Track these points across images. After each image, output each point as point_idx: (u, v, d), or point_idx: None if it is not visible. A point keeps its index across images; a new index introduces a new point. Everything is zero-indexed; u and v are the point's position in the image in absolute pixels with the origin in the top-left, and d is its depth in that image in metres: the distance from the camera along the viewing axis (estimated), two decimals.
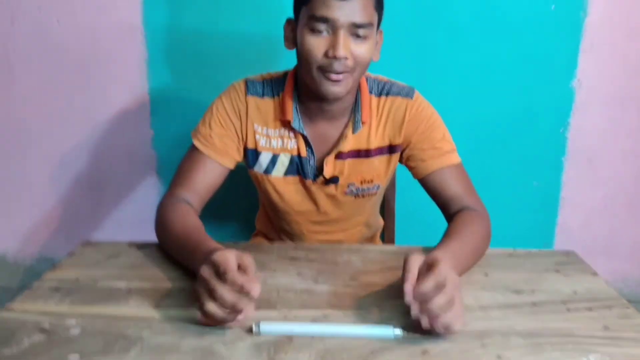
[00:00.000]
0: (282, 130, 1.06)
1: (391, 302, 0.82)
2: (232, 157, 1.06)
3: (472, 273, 0.92)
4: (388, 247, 1.07)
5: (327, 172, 1.06)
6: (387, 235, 1.32)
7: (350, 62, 0.93)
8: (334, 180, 1.08)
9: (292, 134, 1.06)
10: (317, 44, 0.92)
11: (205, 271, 0.73)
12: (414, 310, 0.70)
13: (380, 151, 1.07)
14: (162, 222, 0.97)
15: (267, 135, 1.06)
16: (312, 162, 1.07)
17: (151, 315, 0.77)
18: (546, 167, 1.61)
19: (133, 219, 1.63)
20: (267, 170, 1.08)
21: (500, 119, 1.54)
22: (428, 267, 0.73)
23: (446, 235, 0.95)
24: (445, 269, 0.72)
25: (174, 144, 1.56)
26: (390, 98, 1.06)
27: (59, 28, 1.47)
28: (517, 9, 1.46)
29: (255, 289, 0.69)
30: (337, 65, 0.92)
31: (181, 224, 0.94)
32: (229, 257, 0.72)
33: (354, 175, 1.08)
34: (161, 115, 1.54)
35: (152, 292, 0.84)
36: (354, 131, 1.05)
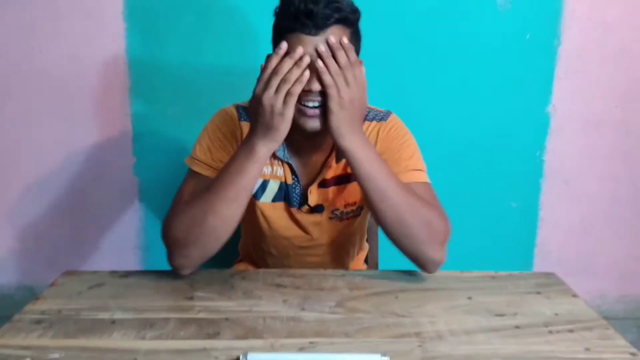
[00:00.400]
0: (271, 157, 1.06)
1: (378, 329, 0.82)
2: None
3: (456, 297, 0.94)
4: (373, 272, 1.08)
5: (312, 200, 1.08)
6: (370, 259, 1.33)
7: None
8: (319, 209, 1.09)
9: (279, 161, 1.07)
10: None
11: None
12: (320, 65, 0.88)
13: None
14: (183, 217, 0.94)
15: None
16: (297, 190, 1.08)
17: (136, 347, 0.76)
18: (524, 189, 1.64)
19: (115, 246, 1.61)
20: (257, 196, 1.08)
21: (479, 144, 1.58)
22: None
23: None
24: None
25: (156, 171, 1.56)
26: (365, 123, 1.07)
27: (40, 56, 1.47)
28: (494, 38, 1.51)
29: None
30: (312, 97, 0.92)
31: (200, 191, 0.97)
32: None
33: (338, 200, 1.09)
34: (143, 142, 1.54)
35: (136, 323, 0.83)
36: (337, 160, 1.06)
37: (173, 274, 1.01)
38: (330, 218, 1.11)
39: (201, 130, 1.09)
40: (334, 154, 1.06)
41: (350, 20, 0.94)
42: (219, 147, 1.04)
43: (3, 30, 1.46)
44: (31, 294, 1.68)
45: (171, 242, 0.96)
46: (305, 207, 1.08)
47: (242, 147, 0.94)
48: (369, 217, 1.23)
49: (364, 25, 0.99)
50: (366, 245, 1.30)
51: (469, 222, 1.64)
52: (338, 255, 1.18)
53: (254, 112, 0.92)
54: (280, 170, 1.07)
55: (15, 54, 1.47)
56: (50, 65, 1.48)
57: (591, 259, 1.71)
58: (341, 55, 0.89)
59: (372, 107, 1.11)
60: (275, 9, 0.96)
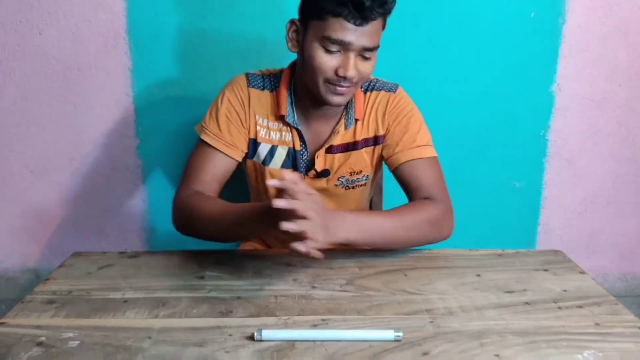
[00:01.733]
0: (280, 123, 1.09)
1: (390, 306, 0.83)
2: (240, 150, 1.08)
3: (465, 274, 0.94)
4: (381, 252, 1.08)
5: (319, 165, 1.10)
6: None
7: (355, 79, 0.98)
8: (325, 173, 1.11)
9: (288, 128, 1.09)
10: (328, 61, 0.96)
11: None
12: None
13: (366, 143, 1.11)
14: (188, 212, 0.99)
15: (267, 127, 1.09)
16: (305, 156, 1.10)
17: (150, 325, 0.77)
18: (528, 168, 1.64)
19: (119, 228, 1.61)
20: (265, 162, 1.11)
21: (483, 123, 1.57)
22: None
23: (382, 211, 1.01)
24: (311, 196, 0.82)
25: (160, 152, 1.55)
26: (374, 93, 1.11)
27: (40, 37, 1.45)
28: (499, 16, 1.49)
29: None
30: (344, 82, 0.97)
31: (212, 205, 0.97)
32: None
33: (344, 167, 1.11)
34: (146, 124, 1.53)
35: (148, 302, 0.83)
36: (346, 127, 1.09)
37: (181, 254, 1.02)
38: (336, 185, 1.13)
39: (204, 111, 1.11)
40: (342, 121, 1.09)
41: (388, 13, 0.98)
42: (227, 117, 1.07)
43: (2, 11, 1.44)
44: (35, 277, 1.68)
45: (175, 219, 1.03)
46: (312, 173, 1.11)
47: (247, 221, 0.90)
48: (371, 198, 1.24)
49: None
50: None
51: (472, 201, 1.64)
52: None
53: (265, 218, 0.85)
54: (288, 136, 1.09)
55: (15, 36, 1.45)
56: (50, 47, 1.46)
57: (593, 237, 1.72)
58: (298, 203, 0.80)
59: (379, 78, 1.14)
60: None
